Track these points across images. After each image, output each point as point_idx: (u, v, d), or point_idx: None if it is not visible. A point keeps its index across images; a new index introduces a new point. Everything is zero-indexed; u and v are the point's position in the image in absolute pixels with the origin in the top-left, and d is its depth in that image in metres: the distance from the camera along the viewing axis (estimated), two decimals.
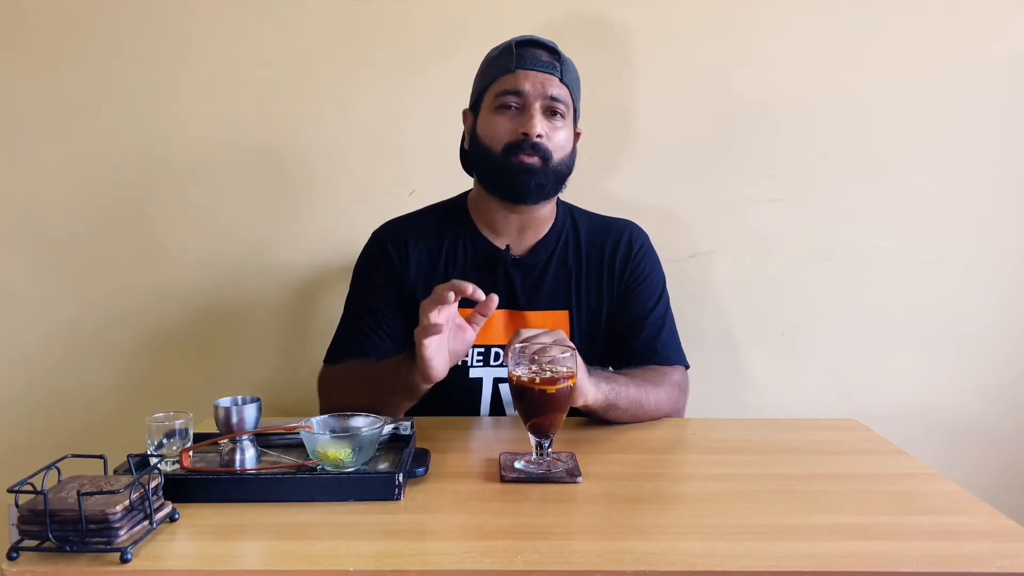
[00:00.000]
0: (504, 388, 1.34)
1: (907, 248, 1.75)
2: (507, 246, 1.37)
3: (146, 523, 0.81)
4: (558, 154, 1.30)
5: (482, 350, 1.33)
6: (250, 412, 0.97)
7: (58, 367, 1.78)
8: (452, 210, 1.42)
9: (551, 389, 0.98)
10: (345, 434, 0.99)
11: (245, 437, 0.97)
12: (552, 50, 1.32)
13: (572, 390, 1.01)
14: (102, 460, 0.91)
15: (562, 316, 1.36)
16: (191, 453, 0.97)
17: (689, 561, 0.77)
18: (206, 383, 1.78)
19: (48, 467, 0.83)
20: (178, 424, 1.00)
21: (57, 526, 0.77)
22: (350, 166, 1.74)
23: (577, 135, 1.38)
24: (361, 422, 1.01)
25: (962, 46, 1.71)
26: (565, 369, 1.00)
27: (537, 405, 0.99)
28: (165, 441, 0.99)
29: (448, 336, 1.12)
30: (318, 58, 1.72)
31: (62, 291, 1.77)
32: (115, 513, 0.77)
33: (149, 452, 0.98)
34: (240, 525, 0.86)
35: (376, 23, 1.70)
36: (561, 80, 1.30)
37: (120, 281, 1.77)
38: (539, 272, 1.37)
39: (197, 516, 0.87)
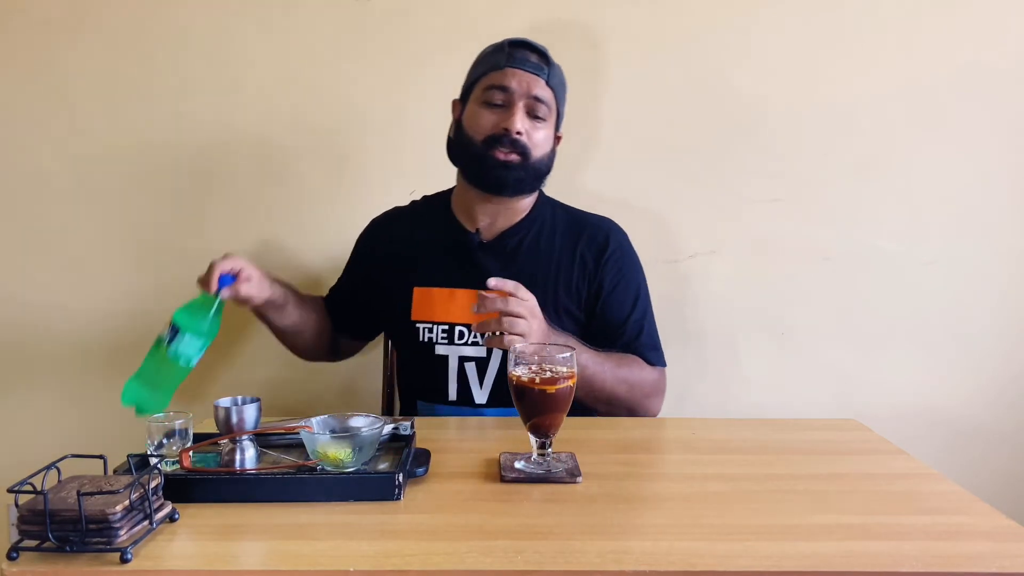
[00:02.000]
0: (470, 367, 1.37)
1: (907, 248, 1.75)
2: (476, 230, 1.41)
3: (146, 523, 0.81)
4: (537, 152, 1.34)
5: (446, 328, 1.38)
6: (250, 412, 0.97)
7: (58, 366, 1.78)
8: (437, 199, 1.50)
9: (551, 389, 0.98)
10: (345, 434, 0.99)
11: (245, 437, 0.97)
12: (542, 54, 1.36)
13: (572, 390, 1.01)
14: (102, 460, 0.91)
15: None
16: (191, 453, 0.97)
17: (689, 561, 0.77)
18: (206, 383, 1.78)
19: (48, 467, 0.83)
20: (178, 424, 1.00)
21: (57, 526, 0.77)
22: (351, 166, 1.74)
23: (558, 139, 1.41)
24: (361, 422, 1.01)
25: (962, 48, 1.71)
26: (565, 369, 1.00)
27: (537, 405, 0.99)
28: (165, 441, 0.99)
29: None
30: (318, 58, 1.72)
31: (62, 291, 1.77)
32: (115, 513, 0.77)
33: (149, 452, 0.98)
34: (240, 525, 0.86)
35: (376, 23, 1.70)
36: (547, 83, 1.34)
37: (120, 281, 1.77)
38: (507, 256, 1.40)
39: (197, 516, 0.87)
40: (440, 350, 1.38)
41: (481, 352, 1.37)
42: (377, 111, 1.73)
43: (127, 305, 1.77)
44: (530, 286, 1.30)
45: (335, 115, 1.73)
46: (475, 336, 1.37)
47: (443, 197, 1.49)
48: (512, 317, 1.15)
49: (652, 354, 1.41)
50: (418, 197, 1.55)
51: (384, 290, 1.44)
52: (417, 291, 1.40)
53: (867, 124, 1.73)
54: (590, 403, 1.33)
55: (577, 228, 1.44)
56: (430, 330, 1.39)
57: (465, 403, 1.38)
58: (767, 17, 1.70)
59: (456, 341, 1.37)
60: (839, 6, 1.70)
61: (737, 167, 1.74)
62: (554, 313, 1.37)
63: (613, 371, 1.31)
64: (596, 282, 1.40)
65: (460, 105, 1.42)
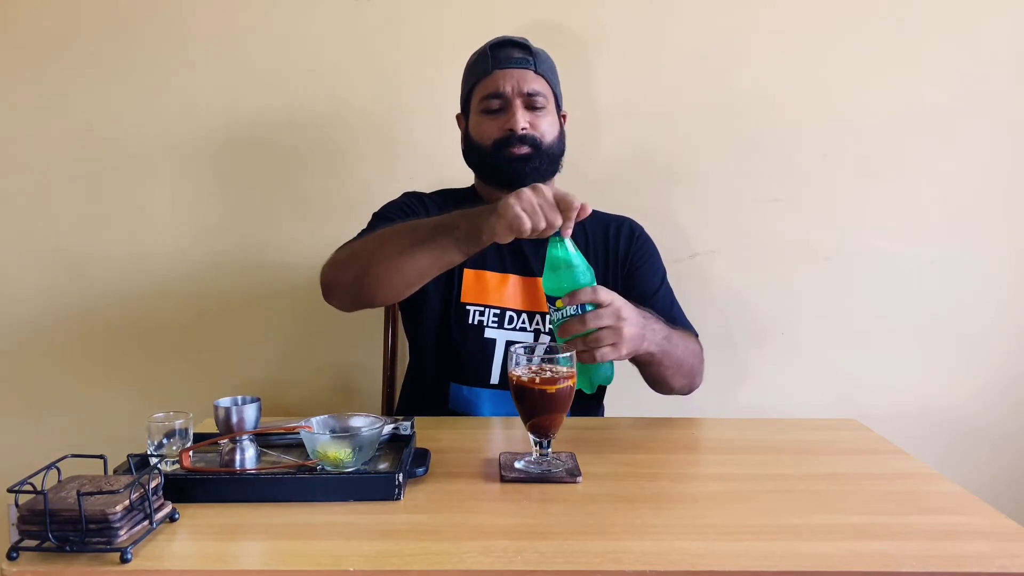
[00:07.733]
0: None
1: (907, 248, 1.75)
2: None
3: (146, 523, 0.81)
4: (547, 138, 1.39)
5: (498, 311, 1.39)
6: (250, 412, 0.97)
7: (58, 367, 1.78)
8: (465, 192, 1.50)
9: (551, 389, 0.98)
10: (345, 434, 0.99)
11: (245, 437, 0.97)
12: (523, 46, 1.41)
13: (572, 390, 1.01)
14: (102, 460, 0.92)
15: None
16: (191, 453, 0.97)
17: (689, 561, 0.77)
18: (206, 383, 1.78)
19: (48, 467, 0.83)
20: (178, 424, 1.00)
21: (57, 526, 0.77)
22: (350, 166, 1.74)
23: (563, 117, 1.47)
24: (361, 422, 1.01)
25: (962, 50, 1.71)
26: (565, 369, 1.00)
27: (537, 405, 0.99)
28: (165, 441, 0.99)
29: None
30: (318, 58, 1.72)
31: (62, 291, 1.77)
32: (115, 513, 0.77)
33: (149, 452, 0.98)
34: (240, 525, 0.86)
35: (376, 23, 1.70)
36: (536, 72, 1.39)
37: (120, 281, 1.77)
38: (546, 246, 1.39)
39: (197, 516, 0.87)
40: (489, 333, 1.38)
41: (530, 337, 1.39)
42: (377, 111, 1.73)
43: (127, 305, 1.77)
44: None
45: (334, 115, 1.73)
46: (522, 323, 1.38)
47: (470, 191, 1.49)
48: (598, 335, 1.06)
49: (689, 325, 1.43)
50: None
51: None
52: (468, 272, 1.40)
53: (867, 124, 1.73)
54: (668, 377, 1.29)
55: (604, 221, 1.49)
56: (481, 313, 1.39)
57: (507, 387, 1.35)
58: (767, 20, 1.70)
59: (506, 325, 1.39)
60: (839, 9, 1.70)
61: (737, 167, 1.74)
62: None
63: (684, 343, 1.30)
64: (628, 262, 1.46)
65: (463, 118, 1.46)
